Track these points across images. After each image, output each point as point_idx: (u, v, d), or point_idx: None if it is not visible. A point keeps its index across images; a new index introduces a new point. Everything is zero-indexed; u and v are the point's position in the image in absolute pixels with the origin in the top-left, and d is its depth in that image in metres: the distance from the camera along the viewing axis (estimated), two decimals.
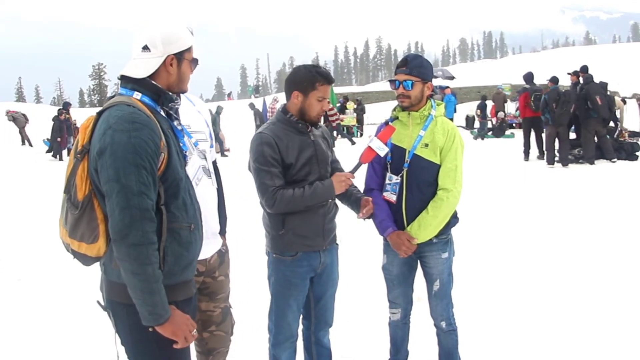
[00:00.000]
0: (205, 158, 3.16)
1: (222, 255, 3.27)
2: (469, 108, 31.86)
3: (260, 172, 3.36)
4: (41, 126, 29.77)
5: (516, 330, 4.79)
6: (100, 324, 2.63)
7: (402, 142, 3.62)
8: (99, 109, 2.56)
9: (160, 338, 2.41)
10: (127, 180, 2.30)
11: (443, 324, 3.79)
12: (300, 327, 3.73)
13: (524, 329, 4.80)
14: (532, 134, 15.76)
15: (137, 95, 2.52)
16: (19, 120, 28.93)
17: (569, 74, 15.04)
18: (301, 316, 3.71)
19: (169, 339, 2.43)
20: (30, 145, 27.77)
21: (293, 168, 3.40)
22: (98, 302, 2.60)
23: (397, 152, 3.62)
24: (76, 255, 2.51)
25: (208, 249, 3.11)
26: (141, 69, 2.56)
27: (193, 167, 2.73)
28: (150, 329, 2.39)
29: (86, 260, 2.51)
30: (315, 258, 3.53)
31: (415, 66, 3.59)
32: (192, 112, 3.24)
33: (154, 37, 2.54)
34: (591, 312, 5.09)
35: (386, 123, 3.74)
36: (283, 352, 3.63)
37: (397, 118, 3.71)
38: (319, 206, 3.47)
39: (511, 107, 28.96)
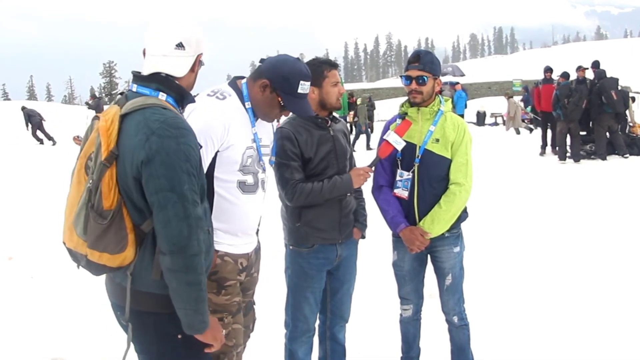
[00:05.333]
0: (264, 171, 3.14)
1: (257, 251, 3.26)
2: (480, 104, 31.77)
3: (280, 166, 3.42)
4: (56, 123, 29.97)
5: (527, 324, 4.78)
6: (111, 321, 2.61)
7: (412, 138, 3.62)
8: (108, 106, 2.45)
9: (188, 344, 2.38)
10: (182, 189, 2.23)
11: (455, 319, 3.80)
12: (317, 321, 3.75)
13: (535, 324, 4.79)
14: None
15: (162, 96, 2.40)
16: None
17: (584, 68, 14.91)
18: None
19: (195, 345, 2.39)
20: None
21: (311, 162, 3.46)
22: (119, 321, 2.49)
23: (407, 148, 3.62)
24: (90, 265, 2.37)
25: (249, 245, 3.14)
26: (178, 67, 2.45)
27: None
28: (179, 336, 2.35)
29: (101, 270, 2.39)
30: (331, 251, 3.57)
31: (427, 62, 3.60)
32: (268, 125, 3.21)
33: (189, 34, 2.45)
34: (603, 307, 5.07)
35: (397, 119, 3.75)
36: (300, 347, 3.65)
37: (405, 114, 3.72)
38: (337, 200, 3.51)
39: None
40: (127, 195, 2.27)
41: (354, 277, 3.80)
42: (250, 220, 3.08)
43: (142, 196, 2.28)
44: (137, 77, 2.45)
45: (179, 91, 2.46)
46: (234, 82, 3.07)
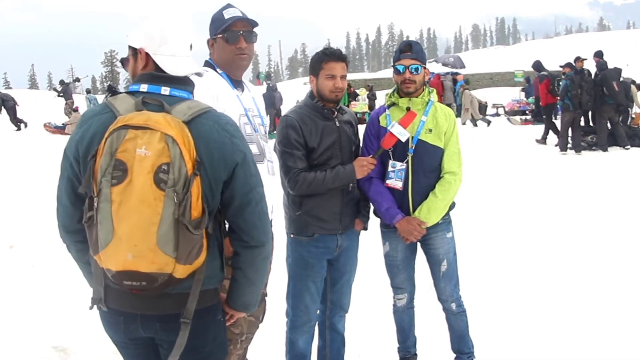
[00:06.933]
0: (267, 140, 3.26)
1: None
2: (481, 95, 31.71)
3: (284, 154, 3.47)
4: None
5: (525, 312, 4.82)
6: None
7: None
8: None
9: (224, 323, 2.51)
10: (262, 183, 2.39)
11: (453, 306, 3.83)
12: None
13: (534, 311, 4.83)
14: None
15: (192, 97, 2.39)
16: None
17: (583, 59, 14.88)
18: None
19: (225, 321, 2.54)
20: None
21: (315, 152, 3.49)
22: (161, 333, 2.34)
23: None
24: (167, 283, 2.16)
25: None
26: (197, 67, 2.55)
27: None
28: (221, 318, 2.45)
29: (168, 286, 2.19)
30: (332, 241, 3.60)
31: (419, 51, 3.66)
32: (249, 97, 3.28)
33: (193, 36, 2.46)
34: (601, 296, 5.10)
35: (386, 109, 3.77)
36: (300, 336, 3.67)
37: (393, 104, 3.73)
38: (339, 190, 3.53)
39: (520, 95, 28.99)
40: (206, 200, 2.23)
41: (355, 268, 3.82)
42: None
43: (220, 197, 2.31)
44: (172, 80, 2.34)
45: (192, 92, 2.44)
46: (206, 62, 3.19)
